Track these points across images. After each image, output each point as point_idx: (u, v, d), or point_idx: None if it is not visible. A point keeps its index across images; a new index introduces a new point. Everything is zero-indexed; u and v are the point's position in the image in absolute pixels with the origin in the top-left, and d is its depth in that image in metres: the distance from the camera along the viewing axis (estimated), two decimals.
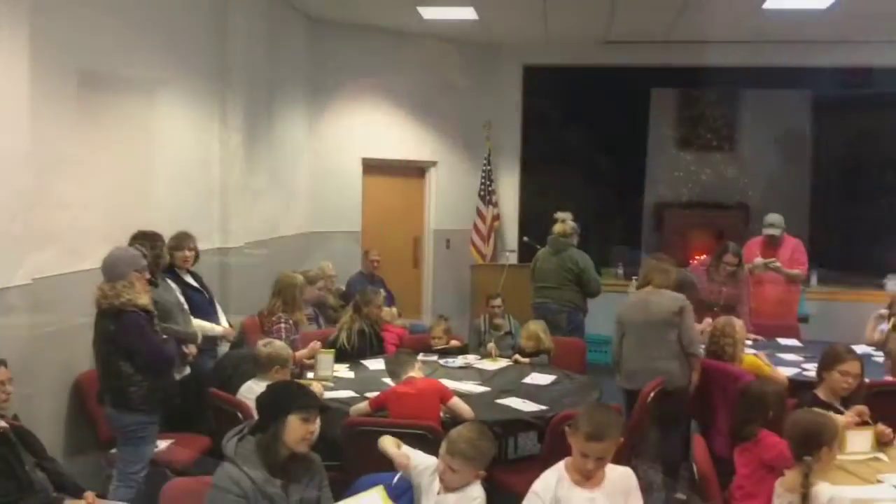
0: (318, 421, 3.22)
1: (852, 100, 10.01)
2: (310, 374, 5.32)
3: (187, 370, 5.16)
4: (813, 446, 3.16)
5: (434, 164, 9.81)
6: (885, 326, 6.71)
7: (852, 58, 9.40)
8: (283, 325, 5.59)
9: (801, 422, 3.27)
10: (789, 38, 9.11)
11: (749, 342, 6.50)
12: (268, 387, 3.53)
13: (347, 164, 9.20)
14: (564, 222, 7.50)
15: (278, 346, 4.75)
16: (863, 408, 4.07)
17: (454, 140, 9.88)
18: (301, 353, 5.43)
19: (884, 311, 6.85)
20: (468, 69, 9.89)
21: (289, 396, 3.21)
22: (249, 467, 3.05)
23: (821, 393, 4.24)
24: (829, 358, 4.28)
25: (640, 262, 7.44)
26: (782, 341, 6.79)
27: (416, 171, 9.82)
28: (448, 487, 3.24)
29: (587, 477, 3.11)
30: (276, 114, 8.08)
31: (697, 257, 10.30)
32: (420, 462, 3.40)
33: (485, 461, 3.25)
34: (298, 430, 3.12)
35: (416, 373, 4.61)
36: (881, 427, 4.02)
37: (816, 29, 8.62)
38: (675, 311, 5.32)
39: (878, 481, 3.57)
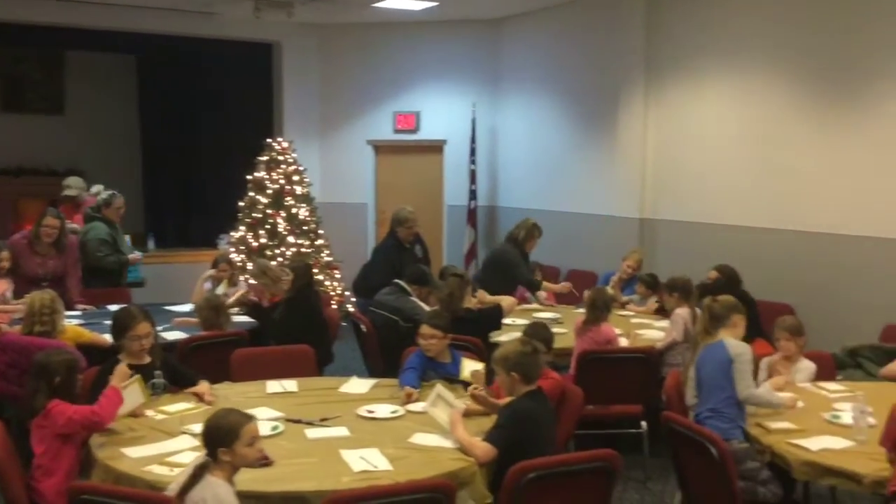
0: None
1: (176, 66, 10.31)
2: None
3: None
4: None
5: None
6: (210, 285, 7.10)
7: (175, 25, 9.62)
8: None
9: (212, 418, 3.00)
10: (116, 2, 8.92)
11: (76, 313, 6.34)
12: None
13: None
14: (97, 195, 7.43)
15: None
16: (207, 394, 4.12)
17: None
18: None
19: (213, 271, 7.23)
20: None
21: None
22: None
23: (124, 358, 4.11)
24: (120, 324, 4.18)
25: None
26: (112, 308, 6.71)
27: None
28: None
29: None
30: None
31: (28, 228, 9.64)
32: None
33: None
34: None
35: None
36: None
37: None
38: None
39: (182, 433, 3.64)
